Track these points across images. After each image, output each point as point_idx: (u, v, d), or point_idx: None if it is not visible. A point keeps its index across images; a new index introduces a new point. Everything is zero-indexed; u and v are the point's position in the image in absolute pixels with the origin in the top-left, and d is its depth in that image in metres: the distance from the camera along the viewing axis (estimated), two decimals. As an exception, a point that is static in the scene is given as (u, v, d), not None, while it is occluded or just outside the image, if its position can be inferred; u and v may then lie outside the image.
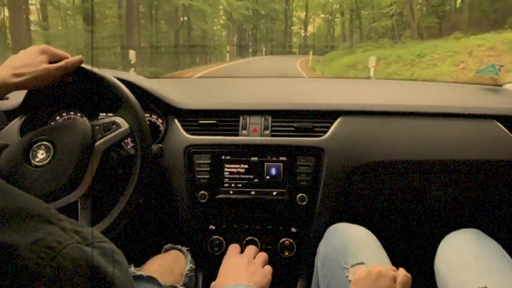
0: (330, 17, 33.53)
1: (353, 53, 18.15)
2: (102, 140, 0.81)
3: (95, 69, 0.84)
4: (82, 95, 1.07)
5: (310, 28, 38.90)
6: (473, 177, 1.13)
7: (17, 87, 0.78)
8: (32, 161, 0.78)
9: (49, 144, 0.79)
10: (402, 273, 0.68)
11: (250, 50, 34.36)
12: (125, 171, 0.92)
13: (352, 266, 0.77)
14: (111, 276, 0.32)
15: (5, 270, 0.27)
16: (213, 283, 0.83)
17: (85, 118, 0.85)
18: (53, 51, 0.84)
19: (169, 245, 0.98)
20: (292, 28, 38.81)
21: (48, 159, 0.78)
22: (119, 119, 0.83)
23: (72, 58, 0.84)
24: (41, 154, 0.78)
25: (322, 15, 35.96)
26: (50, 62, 0.82)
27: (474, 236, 0.87)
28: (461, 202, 1.17)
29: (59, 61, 0.83)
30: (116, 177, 0.91)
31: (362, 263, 0.77)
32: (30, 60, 0.79)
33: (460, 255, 0.82)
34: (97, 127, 0.82)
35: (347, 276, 0.76)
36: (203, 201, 1.05)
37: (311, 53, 22.66)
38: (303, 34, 39.37)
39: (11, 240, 0.28)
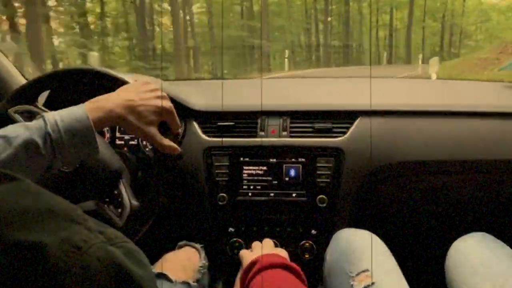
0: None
1: None
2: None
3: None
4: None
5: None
6: (495, 177, 1.10)
7: (121, 128, 0.70)
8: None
9: None
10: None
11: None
12: (144, 173, 0.93)
13: (357, 274, 0.76)
14: (135, 276, 0.32)
15: (34, 268, 0.27)
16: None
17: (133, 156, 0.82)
18: (172, 119, 0.74)
19: (184, 241, 0.98)
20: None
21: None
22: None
23: (174, 148, 0.73)
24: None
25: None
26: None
27: (483, 240, 0.87)
28: (478, 204, 1.14)
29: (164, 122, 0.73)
30: (136, 180, 0.92)
31: (367, 270, 0.76)
32: (145, 113, 0.68)
33: (469, 259, 0.81)
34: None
35: (352, 285, 0.75)
36: (222, 203, 1.05)
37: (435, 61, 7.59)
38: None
39: (40, 239, 0.28)
